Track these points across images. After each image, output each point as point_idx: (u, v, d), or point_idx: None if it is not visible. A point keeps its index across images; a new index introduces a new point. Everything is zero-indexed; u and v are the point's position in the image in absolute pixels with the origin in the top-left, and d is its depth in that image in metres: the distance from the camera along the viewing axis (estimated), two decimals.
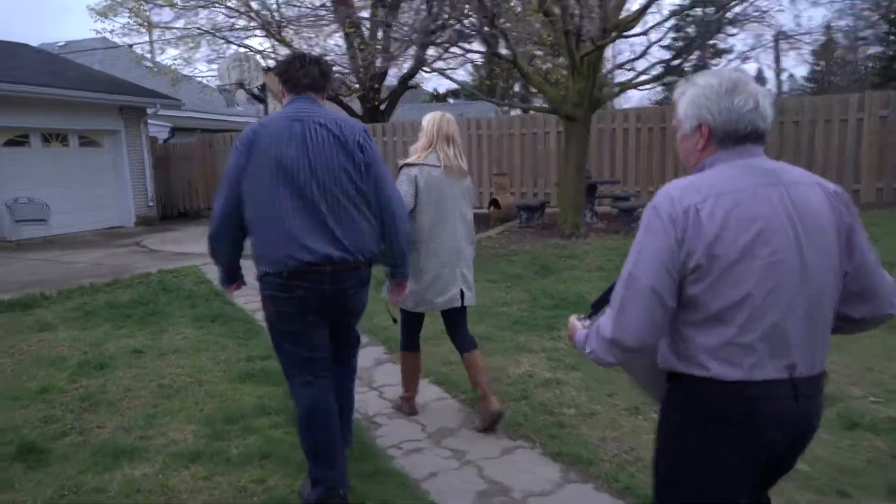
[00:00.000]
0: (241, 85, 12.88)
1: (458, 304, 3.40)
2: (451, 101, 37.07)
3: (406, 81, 17.33)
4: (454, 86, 39.21)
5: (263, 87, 13.38)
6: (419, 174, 3.27)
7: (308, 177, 2.47)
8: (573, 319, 1.77)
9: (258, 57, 13.04)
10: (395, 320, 3.45)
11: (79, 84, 12.93)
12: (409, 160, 3.35)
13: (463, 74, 33.42)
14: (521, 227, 10.46)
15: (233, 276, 2.79)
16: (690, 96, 1.58)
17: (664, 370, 1.61)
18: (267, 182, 2.47)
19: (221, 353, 4.80)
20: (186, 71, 16.22)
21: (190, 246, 10.77)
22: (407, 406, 3.67)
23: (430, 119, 3.40)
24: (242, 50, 13.92)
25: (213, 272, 8.20)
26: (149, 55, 19.39)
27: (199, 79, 18.66)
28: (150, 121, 14.76)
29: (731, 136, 1.53)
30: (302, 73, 2.61)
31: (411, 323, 3.52)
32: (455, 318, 3.51)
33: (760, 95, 1.52)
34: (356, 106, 17.79)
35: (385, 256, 2.75)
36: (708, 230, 1.43)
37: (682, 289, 1.49)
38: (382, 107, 17.04)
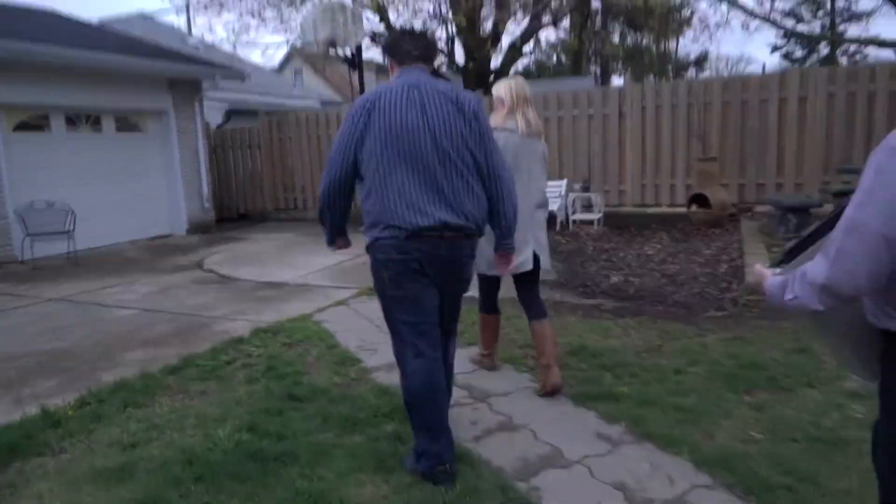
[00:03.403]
0: (332, 44, 9.41)
1: (530, 267, 3.40)
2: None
3: (520, 46, 13.70)
4: (521, 65, 35.27)
5: (359, 50, 9.88)
6: (497, 137, 2.92)
7: (429, 143, 2.44)
8: (760, 267, 1.72)
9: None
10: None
11: (117, 49, 9.61)
12: (491, 124, 2.95)
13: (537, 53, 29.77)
14: (785, 237, 6.77)
15: (339, 234, 2.77)
16: None
17: (882, 329, 1.53)
18: (387, 147, 2.43)
19: None
20: (245, 39, 12.75)
21: (275, 267, 7.33)
22: (488, 361, 3.80)
23: (505, 86, 3.38)
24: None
25: (342, 327, 4.75)
26: (202, 29, 16.08)
27: (263, 48, 15.26)
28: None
29: None
30: (412, 45, 2.63)
31: (488, 286, 3.56)
32: (527, 284, 3.51)
33: None
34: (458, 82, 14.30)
35: (492, 226, 2.71)
36: None
37: None
38: (491, 77, 13.47)
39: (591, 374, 3.65)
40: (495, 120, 3.29)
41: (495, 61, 13.95)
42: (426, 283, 2.52)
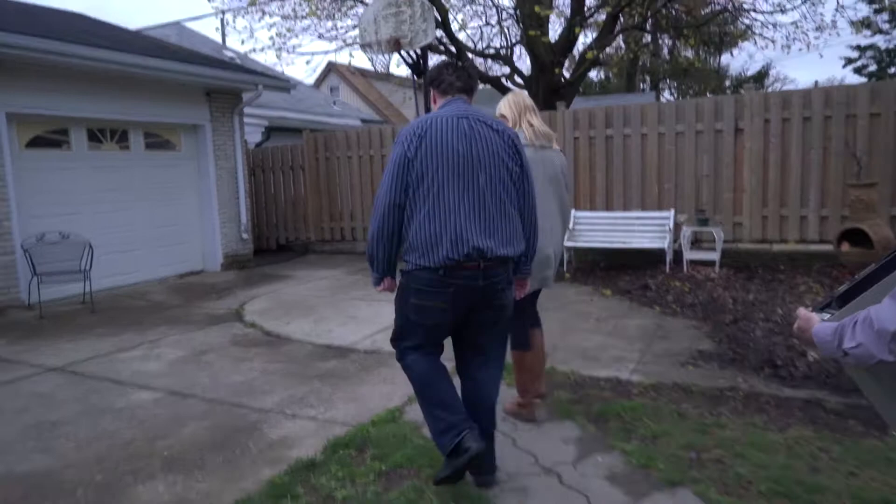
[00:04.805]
0: (397, 45, 8.01)
1: (551, 286, 3.32)
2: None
3: (589, 56, 12.14)
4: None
5: (425, 53, 8.47)
6: None
7: (477, 172, 2.51)
8: (805, 311, 1.59)
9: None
10: None
11: (148, 53, 8.32)
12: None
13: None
14: None
15: (388, 273, 2.65)
16: None
17: None
18: (436, 175, 2.47)
19: None
20: (293, 43, 11.48)
21: (333, 321, 5.85)
22: (526, 412, 3.40)
23: (506, 101, 3.32)
24: None
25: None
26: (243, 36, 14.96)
27: (305, 58, 14.10)
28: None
29: None
30: (455, 77, 2.71)
31: (522, 315, 3.16)
32: (528, 298, 3.25)
33: None
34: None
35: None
36: None
37: None
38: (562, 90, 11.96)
39: None
40: None
41: (565, 72, 12.48)
42: (447, 319, 2.56)
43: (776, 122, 7.84)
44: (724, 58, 28.09)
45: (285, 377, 4.37)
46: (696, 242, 7.93)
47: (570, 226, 8.25)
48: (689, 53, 23.98)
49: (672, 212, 7.85)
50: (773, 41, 12.72)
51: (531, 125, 3.21)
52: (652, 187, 8.50)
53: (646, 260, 7.96)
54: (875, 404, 1.63)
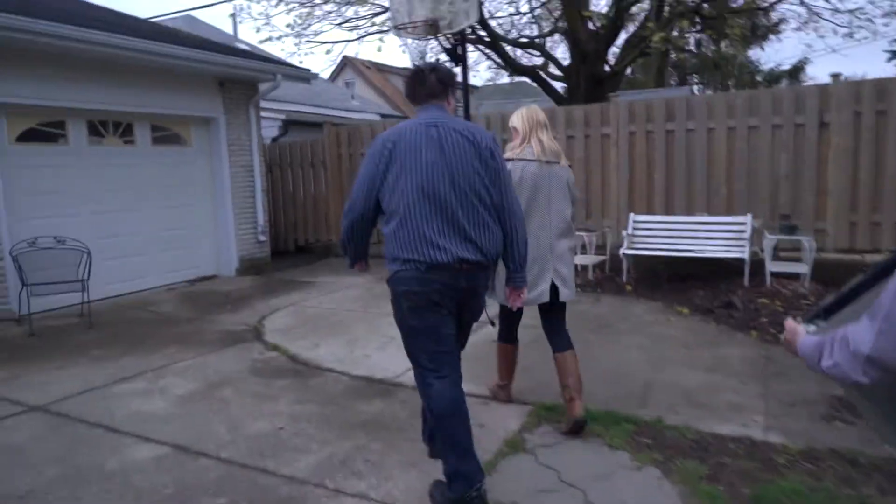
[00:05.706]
0: (434, 28, 7.08)
1: (547, 300, 3.29)
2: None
3: (657, 39, 11.09)
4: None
5: (464, 38, 7.55)
6: (513, 167, 3.19)
7: (446, 180, 2.51)
8: (792, 322, 1.54)
9: None
10: (492, 323, 3.04)
11: (157, 38, 7.45)
12: (506, 155, 3.22)
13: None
14: None
15: (360, 258, 2.80)
16: None
17: None
18: (407, 185, 2.50)
19: None
20: (313, 29, 10.62)
21: (370, 343, 4.93)
22: (503, 393, 3.66)
23: (519, 115, 3.36)
24: None
25: None
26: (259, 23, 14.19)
27: (325, 46, 13.19)
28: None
29: None
30: (419, 85, 2.69)
31: (508, 317, 3.46)
32: (550, 315, 3.41)
33: None
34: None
35: (504, 261, 2.75)
36: None
37: None
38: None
39: None
40: (512, 150, 3.32)
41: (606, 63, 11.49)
42: (444, 314, 2.56)
43: (869, 116, 6.85)
44: (751, 53, 26.92)
45: (320, 425, 3.47)
46: (776, 251, 6.97)
47: (629, 230, 7.33)
48: (720, 46, 22.87)
49: (749, 217, 6.88)
50: (840, 26, 11.57)
51: (540, 141, 3.29)
52: (719, 188, 7.54)
53: (714, 271, 7.01)
54: (871, 423, 1.52)
